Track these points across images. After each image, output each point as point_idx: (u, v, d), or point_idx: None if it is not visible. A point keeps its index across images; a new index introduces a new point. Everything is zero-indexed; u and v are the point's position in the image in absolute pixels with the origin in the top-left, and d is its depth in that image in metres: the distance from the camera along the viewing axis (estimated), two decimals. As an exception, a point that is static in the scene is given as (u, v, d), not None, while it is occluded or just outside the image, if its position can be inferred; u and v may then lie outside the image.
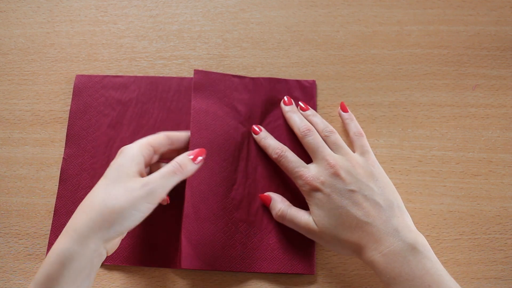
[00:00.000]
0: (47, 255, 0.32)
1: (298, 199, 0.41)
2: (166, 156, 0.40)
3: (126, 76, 0.47)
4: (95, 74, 0.48)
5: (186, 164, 0.35)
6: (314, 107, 0.45)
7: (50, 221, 0.43)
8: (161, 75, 0.47)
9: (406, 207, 0.42)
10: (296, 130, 0.42)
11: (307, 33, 0.49)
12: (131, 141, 0.44)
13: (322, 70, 0.47)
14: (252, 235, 0.41)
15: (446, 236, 0.42)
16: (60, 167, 0.44)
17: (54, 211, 0.43)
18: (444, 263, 0.41)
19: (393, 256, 0.33)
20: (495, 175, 0.44)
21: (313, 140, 0.40)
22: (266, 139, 0.42)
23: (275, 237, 0.41)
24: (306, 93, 0.46)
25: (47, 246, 0.42)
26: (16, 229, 0.43)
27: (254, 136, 0.43)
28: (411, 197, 0.43)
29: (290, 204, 0.40)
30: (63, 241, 0.31)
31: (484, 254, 0.41)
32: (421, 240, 0.34)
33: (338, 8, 0.50)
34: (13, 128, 0.46)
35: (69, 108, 0.46)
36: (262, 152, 0.43)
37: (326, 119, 0.45)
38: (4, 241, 0.43)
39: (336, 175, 0.37)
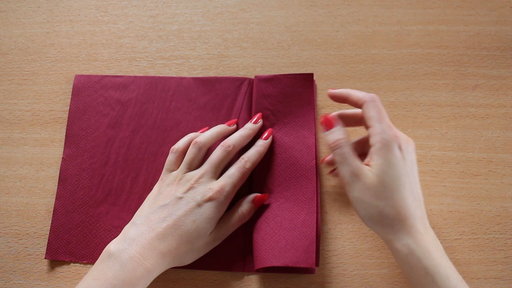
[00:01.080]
0: (131, 265, 0.34)
1: (298, 199, 0.41)
2: None
3: (125, 76, 0.47)
4: (95, 74, 0.48)
5: (251, 212, 0.41)
6: (313, 101, 0.45)
7: (50, 222, 0.43)
8: (161, 75, 0.47)
9: (406, 207, 0.43)
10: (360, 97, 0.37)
11: (307, 33, 0.49)
12: (130, 141, 0.44)
13: (322, 70, 0.47)
14: (256, 233, 0.41)
15: (446, 236, 0.42)
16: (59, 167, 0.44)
17: (53, 211, 0.43)
18: (444, 263, 0.41)
19: (425, 252, 0.33)
20: (495, 175, 0.44)
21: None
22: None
23: (275, 232, 0.41)
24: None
25: (46, 246, 0.42)
26: (16, 229, 0.43)
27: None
28: (411, 197, 0.43)
29: (353, 148, 0.36)
30: (158, 262, 0.35)
31: (484, 254, 0.41)
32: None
33: (338, 8, 0.50)
34: (13, 128, 0.46)
35: (69, 108, 0.46)
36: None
37: (326, 119, 0.45)
38: (4, 241, 0.43)
39: (414, 148, 0.36)
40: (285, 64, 0.47)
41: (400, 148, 0.34)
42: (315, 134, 0.43)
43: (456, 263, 0.41)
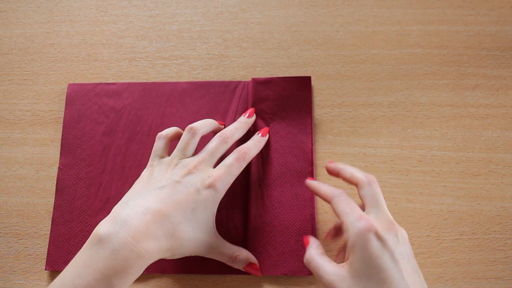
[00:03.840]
0: (119, 253, 0.30)
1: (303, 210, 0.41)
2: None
3: (119, 83, 0.47)
4: (95, 74, 0.48)
5: (238, 265, 0.39)
6: (311, 104, 0.45)
7: (50, 222, 0.43)
8: (161, 75, 0.47)
9: (406, 207, 0.43)
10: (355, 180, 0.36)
11: (307, 33, 0.49)
12: (126, 148, 0.44)
13: (322, 70, 0.47)
14: (251, 239, 0.41)
15: (446, 236, 0.42)
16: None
17: (52, 221, 0.43)
18: (444, 263, 0.41)
19: None
20: (495, 175, 0.44)
21: (366, 191, 0.35)
22: (321, 183, 0.38)
23: (274, 240, 0.41)
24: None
25: (46, 257, 0.42)
26: (16, 229, 0.43)
27: (308, 181, 0.39)
28: (411, 197, 0.43)
29: (323, 253, 0.36)
30: (153, 249, 0.32)
31: (484, 254, 0.41)
32: None
33: (338, 8, 0.50)
34: (13, 128, 0.46)
35: (63, 117, 0.46)
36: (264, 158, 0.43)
37: (326, 119, 0.45)
38: (4, 241, 0.43)
39: (394, 232, 0.32)
40: (285, 64, 0.47)
41: (379, 237, 0.31)
42: (312, 139, 0.43)
43: (456, 263, 0.41)
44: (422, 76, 0.47)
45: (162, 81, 0.47)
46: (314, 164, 0.43)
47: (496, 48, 0.48)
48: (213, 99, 0.46)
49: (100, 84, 0.47)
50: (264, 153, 0.43)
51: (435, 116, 0.45)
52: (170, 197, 0.34)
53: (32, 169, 0.45)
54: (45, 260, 0.42)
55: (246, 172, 0.43)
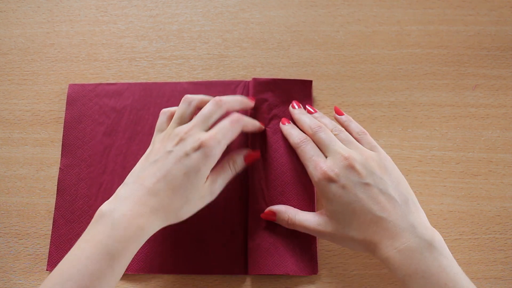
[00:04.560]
0: (124, 225, 0.32)
1: (306, 203, 0.41)
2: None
3: (120, 83, 0.47)
4: (95, 74, 0.48)
5: (241, 166, 0.40)
6: (311, 102, 0.45)
7: (50, 221, 0.43)
8: (161, 75, 0.47)
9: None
10: (306, 128, 0.40)
11: (307, 33, 0.49)
12: (127, 148, 0.44)
13: (322, 70, 0.47)
14: (252, 238, 0.41)
15: (446, 236, 0.42)
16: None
17: (53, 222, 0.43)
18: (444, 263, 0.41)
19: (409, 253, 0.32)
20: (495, 175, 0.44)
21: (325, 135, 0.38)
22: (293, 128, 0.42)
23: (275, 240, 0.41)
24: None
25: (47, 257, 0.42)
26: (16, 229, 0.43)
27: (281, 125, 0.43)
28: (411, 197, 0.43)
29: (296, 209, 0.40)
30: (151, 218, 0.33)
31: (484, 254, 0.41)
32: (438, 237, 0.34)
33: (338, 8, 0.50)
34: (13, 128, 0.46)
35: (64, 117, 0.46)
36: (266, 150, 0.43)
37: (326, 119, 0.45)
38: (4, 241, 0.43)
39: (350, 167, 0.35)
40: (285, 64, 0.47)
41: (334, 181, 0.36)
42: None
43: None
44: (422, 76, 0.47)
45: (162, 81, 0.47)
46: None
47: (496, 48, 0.48)
48: None
49: (100, 84, 0.47)
50: (264, 153, 0.43)
51: (435, 116, 0.45)
52: (161, 169, 0.35)
53: (32, 169, 0.45)
54: (45, 260, 0.42)
55: (246, 172, 0.43)
